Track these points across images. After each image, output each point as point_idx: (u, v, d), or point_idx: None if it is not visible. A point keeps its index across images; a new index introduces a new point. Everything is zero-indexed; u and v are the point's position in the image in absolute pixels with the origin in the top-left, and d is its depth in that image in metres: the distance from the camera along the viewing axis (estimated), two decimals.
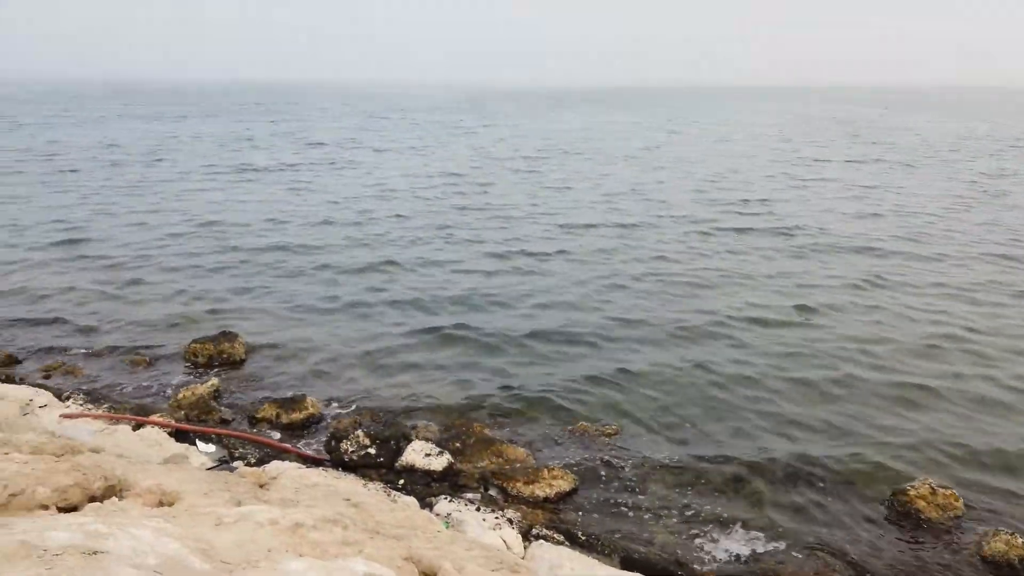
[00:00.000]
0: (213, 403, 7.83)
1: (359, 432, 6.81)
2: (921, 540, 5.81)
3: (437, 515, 5.50)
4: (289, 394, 8.13)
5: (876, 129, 52.13)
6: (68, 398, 7.57)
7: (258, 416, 7.65)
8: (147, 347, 9.61)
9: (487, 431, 7.22)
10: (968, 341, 10.01)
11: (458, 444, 6.93)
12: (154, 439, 6.50)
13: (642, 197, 21.50)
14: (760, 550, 5.63)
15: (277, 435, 7.27)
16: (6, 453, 3.57)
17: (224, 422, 7.55)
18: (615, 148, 37.13)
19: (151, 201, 19.84)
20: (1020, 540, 5.51)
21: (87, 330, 10.15)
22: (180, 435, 6.94)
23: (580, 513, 6.03)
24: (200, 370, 8.93)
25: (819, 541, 5.75)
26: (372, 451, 6.63)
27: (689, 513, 6.10)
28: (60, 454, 4.27)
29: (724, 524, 5.95)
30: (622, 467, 6.83)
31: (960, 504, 6.11)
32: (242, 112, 68.81)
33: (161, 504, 3.64)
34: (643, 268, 13.54)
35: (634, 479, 6.63)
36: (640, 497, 6.34)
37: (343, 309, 11.18)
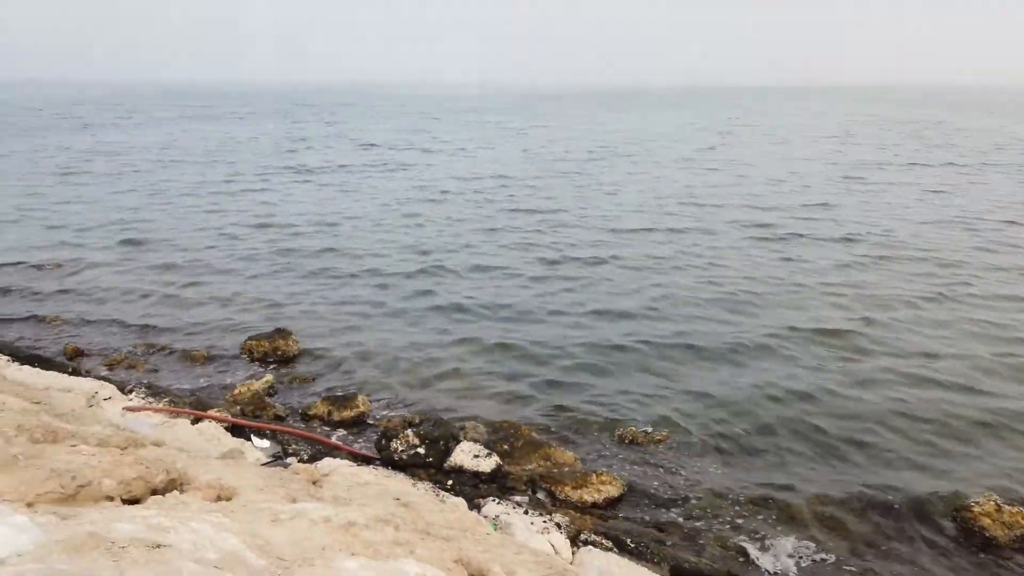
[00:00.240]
0: (268, 399, 8.02)
1: (409, 432, 6.87)
2: (985, 560, 5.58)
3: (485, 517, 5.50)
4: (340, 392, 8.29)
5: (941, 130, 50.33)
6: (131, 391, 7.82)
7: (310, 413, 7.80)
8: (205, 343, 9.90)
9: (535, 434, 7.21)
10: None
11: (506, 446, 6.93)
12: (212, 433, 6.66)
13: (695, 201, 21.04)
14: (811, 563, 5.49)
15: (329, 432, 7.40)
16: (73, 446, 3.71)
17: (278, 418, 7.72)
18: (667, 150, 36.62)
19: (210, 201, 20.41)
20: None
21: (148, 326, 10.50)
22: (236, 430, 7.10)
23: (629, 520, 5.97)
24: (255, 366, 9.16)
25: (874, 557, 5.58)
26: (421, 451, 6.68)
27: (739, 523, 5.98)
28: (124, 447, 4.41)
29: (775, 536, 5.82)
30: (671, 475, 6.74)
31: None
32: (296, 113, 70.25)
33: (219, 499, 3.73)
34: (696, 276, 13.20)
35: (683, 487, 6.54)
36: (690, 506, 6.24)
37: (393, 310, 11.31)
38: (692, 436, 7.50)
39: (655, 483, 6.60)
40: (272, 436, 7.12)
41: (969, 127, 53.60)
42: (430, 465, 6.60)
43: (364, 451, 6.95)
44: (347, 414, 7.72)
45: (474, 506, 5.74)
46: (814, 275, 13.15)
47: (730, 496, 6.38)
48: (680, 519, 6.02)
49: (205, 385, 8.62)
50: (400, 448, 6.70)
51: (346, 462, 6.26)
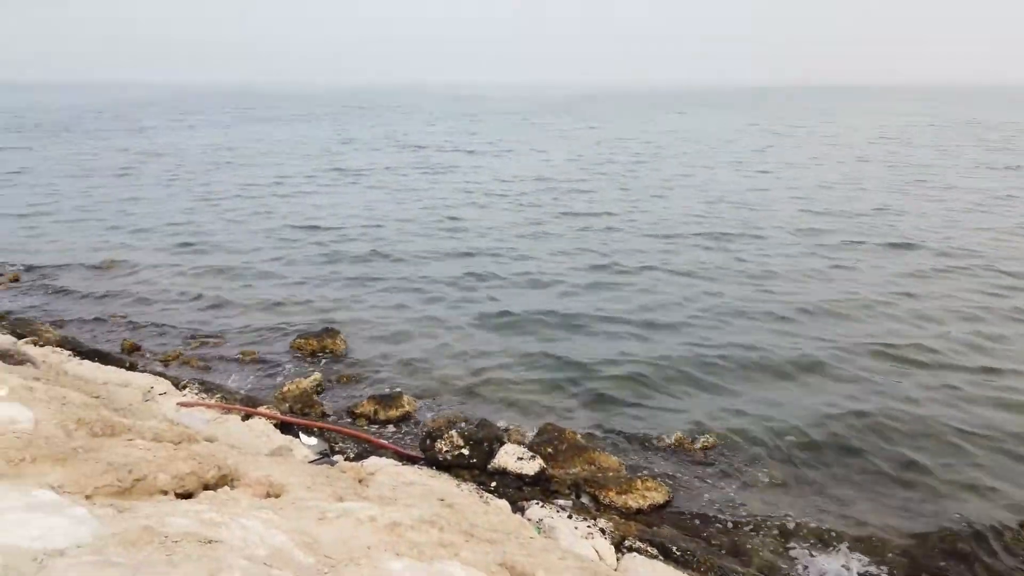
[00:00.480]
0: (315, 397, 8.14)
1: (453, 432, 6.89)
2: None
3: (529, 520, 5.48)
4: (386, 390, 8.37)
5: (1003, 132, 48.46)
6: (184, 387, 8.03)
7: (357, 411, 7.90)
8: (256, 340, 10.11)
9: (579, 438, 7.16)
10: None
11: (550, 449, 6.89)
12: (261, 430, 6.79)
13: (746, 205, 20.51)
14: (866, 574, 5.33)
15: (375, 431, 7.48)
16: (130, 440, 3.81)
17: (325, 416, 7.83)
18: (718, 151, 36.00)
19: (259, 204, 20.85)
20: None
21: (201, 324, 10.78)
22: (285, 427, 7.23)
23: (674, 527, 5.88)
24: (304, 364, 9.31)
25: (935, 571, 5.38)
26: (465, 452, 6.69)
27: (789, 535, 5.83)
28: (178, 442, 4.52)
29: (826, 546, 5.67)
30: (719, 482, 6.62)
31: None
32: (343, 115, 71.35)
33: (268, 495, 3.79)
34: (746, 285, 12.63)
35: (731, 494, 6.42)
36: (737, 514, 6.12)
37: (439, 313, 11.35)
38: (741, 445, 7.34)
39: (702, 491, 6.49)
40: (320, 434, 7.24)
41: None
42: (474, 466, 6.61)
43: (409, 451, 7.00)
44: (393, 413, 7.79)
45: (518, 509, 5.73)
46: (870, 285, 12.54)
47: (780, 507, 6.23)
48: (727, 528, 5.91)
49: (255, 382, 8.80)
50: (444, 448, 6.73)
51: (391, 461, 6.33)
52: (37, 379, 5.58)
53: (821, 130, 51.31)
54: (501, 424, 7.50)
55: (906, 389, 8.51)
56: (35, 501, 2.55)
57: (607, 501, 6.15)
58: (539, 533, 5.12)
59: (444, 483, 5.78)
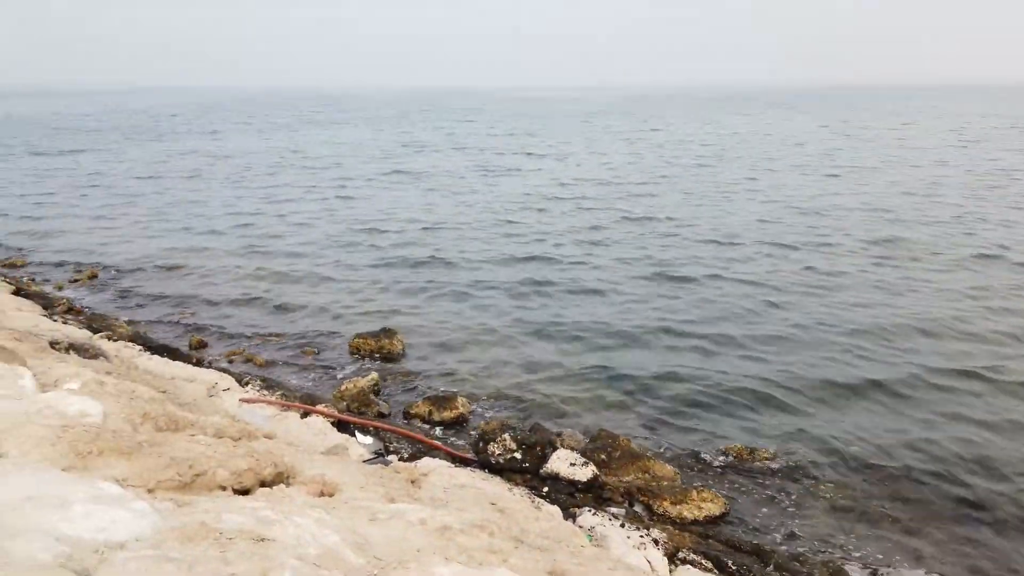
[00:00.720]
0: (372, 396, 8.26)
1: (506, 435, 6.89)
2: None
3: (580, 527, 5.43)
4: (441, 392, 8.44)
5: None
6: (247, 383, 8.26)
7: (412, 412, 7.98)
8: (316, 339, 10.34)
9: (634, 445, 7.06)
10: None
11: (603, 456, 6.82)
12: (319, 428, 6.92)
13: (815, 211, 19.57)
14: None
15: (429, 431, 7.54)
16: (192, 435, 3.93)
17: (381, 415, 7.94)
18: (784, 154, 35.00)
19: (322, 207, 21.28)
20: None
21: (265, 322, 11.10)
22: (341, 425, 7.36)
23: (730, 540, 5.72)
24: (361, 363, 9.47)
25: None
26: (518, 456, 6.68)
27: (850, 550, 5.63)
28: (238, 438, 4.64)
29: (887, 565, 5.44)
30: (778, 496, 6.43)
31: None
32: (406, 118, 72.38)
33: (322, 494, 3.86)
34: (812, 298, 11.96)
35: (790, 509, 6.23)
36: (795, 529, 5.94)
37: (496, 316, 11.36)
38: (801, 462, 7.09)
39: (759, 504, 6.32)
40: (375, 433, 7.34)
41: None
42: (526, 470, 6.59)
43: (462, 452, 7.02)
44: (447, 415, 7.85)
45: (569, 515, 5.68)
46: (945, 301, 11.70)
47: (839, 529, 5.99)
48: (785, 543, 5.73)
49: (314, 380, 9.00)
50: (497, 452, 6.73)
51: (444, 462, 6.36)
52: (109, 373, 5.83)
53: (891, 132, 49.46)
54: (554, 429, 7.47)
55: (981, 416, 7.93)
56: (100, 493, 2.65)
57: (661, 511, 6.05)
58: (590, 541, 5.06)
59: (496, 486, 5.78)
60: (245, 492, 3.67)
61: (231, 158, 34.46)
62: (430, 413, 7.89)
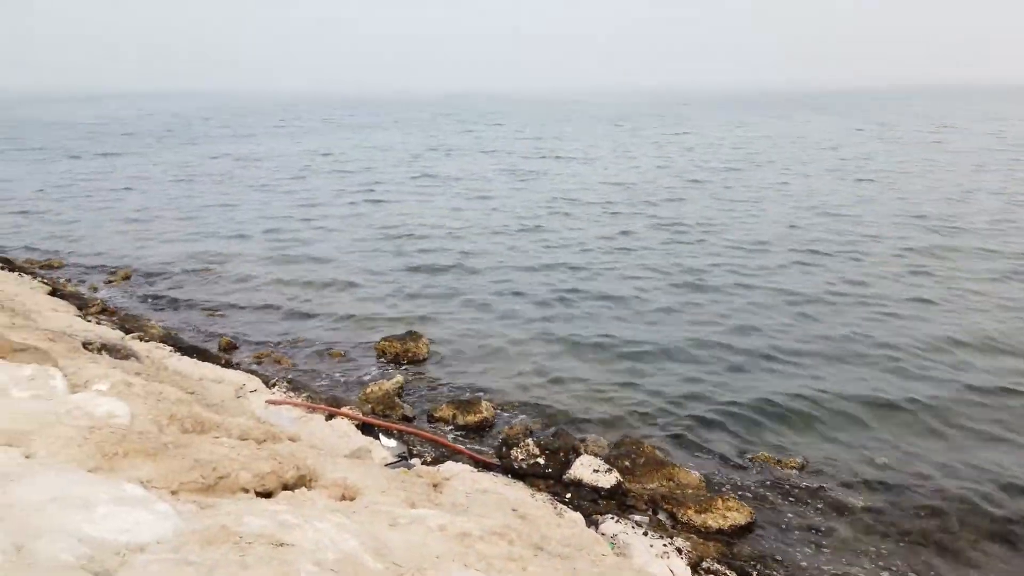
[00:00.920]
0: (397, 399, 8.29)
1: (529, 441, 6.87)
2: None
3: (603, 535, 5.39)
4: (466, 396, 8.44)
5: None
6: (274, 385, 8.35)
7: (436, 415, 8.00)
8: (342, 341, 10.43)
9: (658, 452, 6.99)
10: None
11: (627, 463, 6.76)
12: (343, 430, 6.97)
13: (850, 218, 18.95)
14: None
15: (452, 435, 7.55)
16: (217, 437, 3.98)
17: (406, 419, 7.96)
18: (817, 158, 34.37)
19: (351, 211, 21.45)
20: None
21: (293, 323, 11.22)
22: (366, 428, 7.40)
23: (755, 550, 5.65)
24: (387, 366, 9.52)
25: None
26: (541, 461, 6.65)
27: (879, 566, 5.50)
28: (262, 440, 4.69)
29: None
30: (805, 505, 6.32)
31: None
32: (435, 122, 72.74)
33: (344, 498, 3.87)
34: (849, 311, 11.47)
35: (818, 519, 6.11)
36: (823, 540, 5.83)
37: (521, 322, 11.33)
38: (830, 463, 7.01)
39: (787, 513, 6.21)
40: (399, 436, 7.36)
41: None
42: (549, 476, 6.56)
43: (485, 457, 7.02)
44: (471, 419, 7.85)
45: (592, 522, 5.64)
46: (986, 314, 11.08)
47: (871, 538, 5.87)
48: (812, 554, 5.63)
49: (340, 382, 9.06)
50: (520, 457, 6.71)
51: (467, 467, 6.36)
52: (138, 373, 5.93)
53: (928, 134, 48.49)
54: (578, 435, 7.43)
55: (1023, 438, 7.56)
56: (124, 495, 2.69)
57: (685, 519, 5.98)
58: (612, 549, 5.02)
59: (518, 492, 5.76)
60: (268, 495, 3.70)
61: (263, 161, 34.95)
62: (454, 417, 7.90)
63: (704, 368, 9.41)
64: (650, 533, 5.59)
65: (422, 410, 8.26)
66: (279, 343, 10.38)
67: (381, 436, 7.30)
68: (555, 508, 5.68)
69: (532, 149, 41.75)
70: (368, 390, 8.36)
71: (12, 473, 2.73)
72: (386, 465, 6.01)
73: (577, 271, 14.18)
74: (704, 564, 5.26)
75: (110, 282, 13.61)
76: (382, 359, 9.73)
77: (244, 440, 4.36)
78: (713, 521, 5.92)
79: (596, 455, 6.81)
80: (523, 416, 8.11)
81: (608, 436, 7.50)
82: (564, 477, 6.52)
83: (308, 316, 11.62)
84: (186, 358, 8.78)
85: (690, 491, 6.37)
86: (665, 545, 5.40)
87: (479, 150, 41.29)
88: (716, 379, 9.02)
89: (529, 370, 9.39)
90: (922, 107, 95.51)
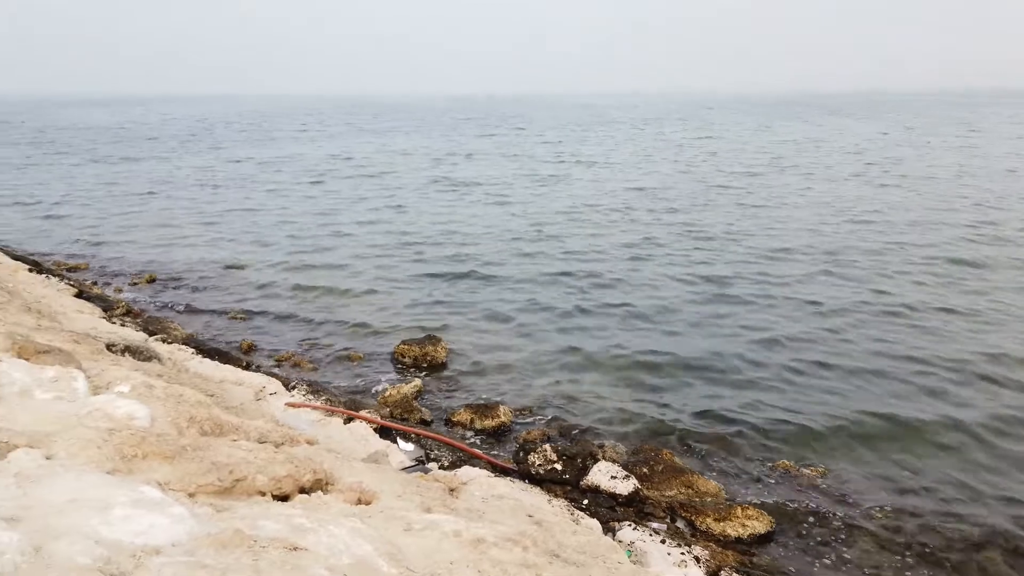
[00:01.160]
0: (415, 403, 8.31)
1: (547, 446, 6.84)
2: None
3: (620, 542, 5.35)
4: (484, 400, 8.44)
5: None
6: (293, 388, 8.40)
7: (454, 419, 8.00)
8: (361, 345, 10.47)
9: (677, 459, 6.94)
10: None
11: (645, 469, 6.72)
12: (361, 434, 7.00)
13: (879, 226, 18.53)
14: None
15: (470, 440, 7.55)
16: (235, 440, 4.01)
17: (423, 422, 7.97)
18: (840, 162, 33.93)
19: (373, 217, 21.52)
20: None
21: (313, 327, 11.29)
22: (384, 431, 7.42)
23: (775, 560, 5.57)
24: (406, 370, 9.55)
25: None
26: (558, 467, 6.63)
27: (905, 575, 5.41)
28: (280, 443, 4.72)
29: None
30: (827, 515, 6.22)
31: None
32: (457, 127, 72.98)
33: (359, 502, 3.88)
34: (876, 326, 11.08)
35: (841, 529, 6.02)
36: (846, 551, 5.73)
37: (540, 328, 11.25)
38: (854, 472, 6.90)
39: (808, 522, 6.13)
40: (417, 440, 7.37)
41: None
42: (566, 482, 6.53)
43: (502, 462, 7.01)
44: (488, 423, 7.84)
45: (608, 529, 5.61)
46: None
47: (895, 543, 5.78)
48: (834, 565, 5.54)
49: (359, 385, 9.10)
50: (537, 462, 6.69)
51: (484, 472, 6.35)
52: (160, 375, 5.99)
53: (955, 138, 47.76)
54: (596, 441, 7.39)
55: None
56: (141, 497, 2.71)
57: (704, 527, 5.92)
58: (629, 557, 4.98)
59: (535, 498, 5.74)
60: (284, 498, 3.72)
61: (285, 165, 35.29)
62: (472, 421, 7.89)
63: (725, 378, 9.27)
64: (668, 541, 5.54)
65: (440, 414, 8.26)
66: (299, 346, 10.45)
67: (399, 440, 7.31)
68: (572, 514, 5.65)
69: (553, 153, 41.70)
70: (387, 393, 8.38)
71: (33, 475, 2.77)
72: (403, 469, 6.02)
73: (597, 278, 14.10)
74: (722, 573, 5.20)
75: (135, 284, 13.80)
76: (401, 363, 9.76)
77: (262, 443, 4.39)
78: (732, 530, 5.86)
79: (614, 461, 6.77)
80: (541, 421, 8.09)
81: (626, 443, 7.45)
82: (581, 483, 6.49)
83: (328, 320, 11.69)
84: (207, 360, 8.88)
85: (709, 499, 6.31)
86: (683, 553, 5.35)
87: (500, 154, 41.35)
88: (737, 389, 8.90)
89: (548, 375, 9.37)
90: (949, 111, 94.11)
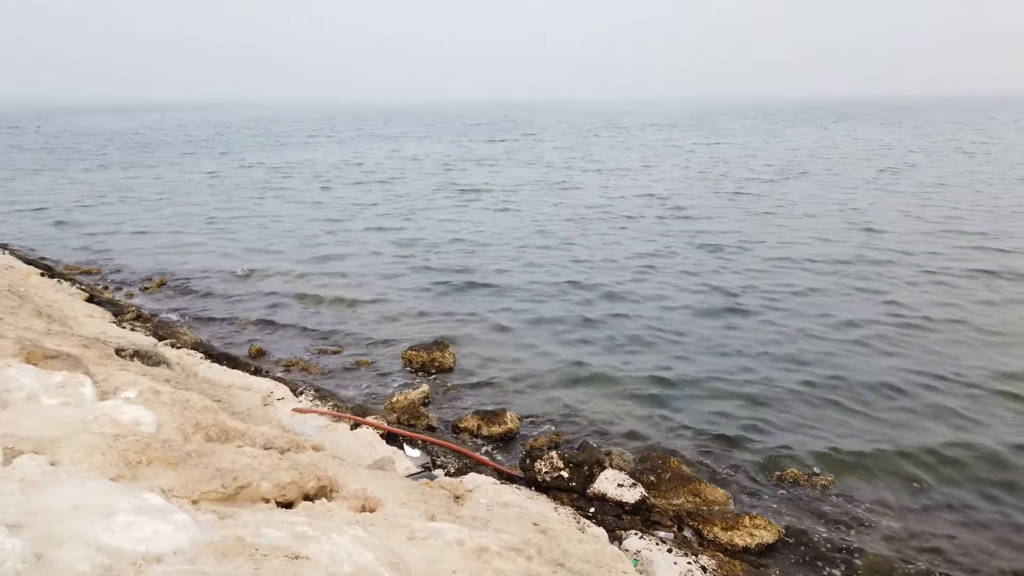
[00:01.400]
0: (422, 409, 8.30)
1: (553, 453, 6.81)
2: None
3: (626, 551, 5.31)
4: (491, 407, 8.42)
5: None
6: (301, 393, 8.41)
7: (461, 426, 7.98)
8: (370, 351, 10.49)
9: (684, 467, 6.89)
10: None
11: (652, 478, 6.68)
12: (368, 440, 6.99)
13: (896, 235, 18.24)
14: None
15: (477, 446, 7.53)
16: (240, 446, 4.01)
17: (430, 428, 7.96)
18: (853, 170, 33.67)
19: (384, 223, 21.57)
20: None
21: (322, 333, 11.31)
22: (390, 437, 7.42)
23: (783, 570, 5.53)
24: (413, 376, 9.55)
25: None
26: (565, 474, 6.60)
27: None
28: (286, 449, 4.72)
29: None
30: (836, 524, 6.17)
31: None
32: (468, 133, 73.15)
33: (363, 509, 3.87)
34: (894, 343, 10.76)
35: (850, 539, 5.96)
36: (855, 561, 5.67)
37: (548, 336, 11.22)
38: (862, 481, 6.84)
39: (816, 532, 6.07)
40: (423, 446, 7.36)
41: None
42: (573, 490, 6.50)
43: (508, 469, 6.98)
44: (495, 430, 7.82)
45: (615, 538, 5.57)
46: None
47: (905, 553, 5.72)
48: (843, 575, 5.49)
49: (366, 391, 9.11)
50: (544, 470, 6.66)
51: (490, 479, 6.32)
52: (167, 381, 6.01)
53: (972, 145, 47.42)
54: (603, 448, 7.36)
55: None
56: (144, 504, 2.71)
57: (711, 536, 5.88)
58: (635, 566, 4.94)
59: (541, 506, 5.71)
60: (288, 505, 3.72)
61: (296, 171, 35.46)
62: (479, 428, 7.88)
63: (735, 389, 9.16)
64: (675, 550, 5.50)
65: (447, 420, 8.25)
66: (307, 352, 10.47)
67: (405, 446, 7.30)
68: (578, 523, 5.62)
69: (563, 159, 41.68)
70: (394, 399, 8.39)
71: (37, 480, 2.78)
72: (409, 475, 6.01)
73: (607, 287, 14.03)
74: None
75: (146, 289, 13.89)
76: (408, 368, 9.76)
77: (268, 449, 4.40)
78: (740, 539, 5.81)
79: (621, 469, 6.74)
80: (548, 428, 8.07)
81: (633, 449, 7.42)
82: (588, 491, 6.45)
83: (337, 326, 11.71)
84: (216, 365, 8.90)
85: (717, 507, 6.27)
86: (690, 563, 5.31)
87: (510, 160, 41.41)
88: (747, 399, 8.80)
89: (555, 384, 9.34)
90: (961, 116, 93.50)
